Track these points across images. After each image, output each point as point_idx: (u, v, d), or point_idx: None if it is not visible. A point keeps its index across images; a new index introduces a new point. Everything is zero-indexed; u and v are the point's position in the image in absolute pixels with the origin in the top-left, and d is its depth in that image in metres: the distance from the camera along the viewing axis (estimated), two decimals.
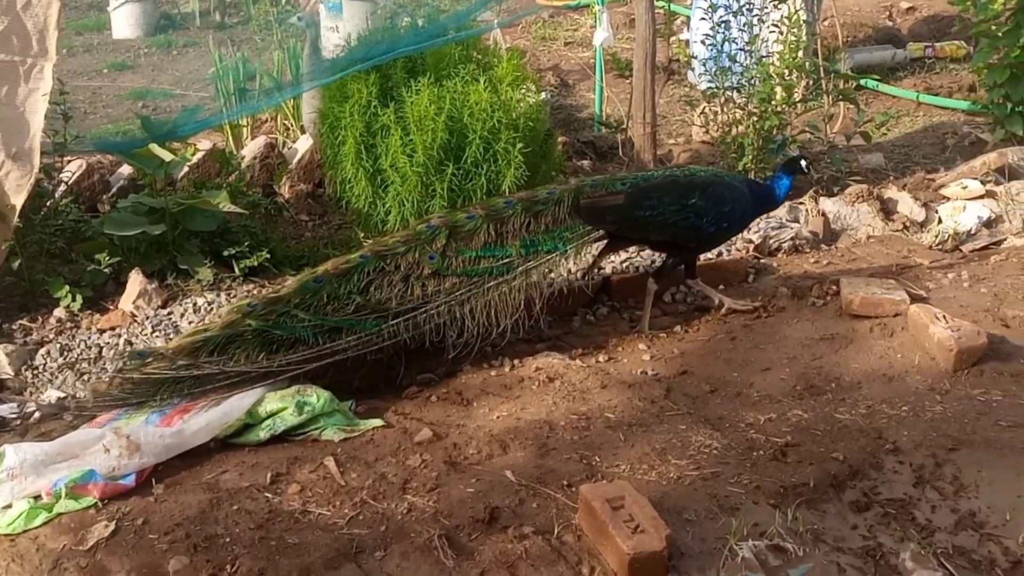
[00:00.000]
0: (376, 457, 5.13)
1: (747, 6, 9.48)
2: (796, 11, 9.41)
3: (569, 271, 6.96)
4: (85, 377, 6.31)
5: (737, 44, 9.52)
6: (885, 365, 5.93)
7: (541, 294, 6.39)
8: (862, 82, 11.23)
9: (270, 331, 5.75)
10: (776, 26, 9.39)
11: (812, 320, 6.54)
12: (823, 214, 8.20)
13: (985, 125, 10.58)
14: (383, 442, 5.27)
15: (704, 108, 10.22)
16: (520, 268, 6.18)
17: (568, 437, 5.27)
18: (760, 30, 9.51)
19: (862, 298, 6.46)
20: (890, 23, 14.34)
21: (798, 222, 8.18)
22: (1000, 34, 9.76)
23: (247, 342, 5.71)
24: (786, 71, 9.32)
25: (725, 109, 9.60)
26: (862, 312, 6.43)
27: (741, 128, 9.34)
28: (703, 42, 9.98)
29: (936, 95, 11.85)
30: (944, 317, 5.99)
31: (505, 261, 6.18)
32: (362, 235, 7.69)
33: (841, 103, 10.20)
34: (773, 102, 9.15)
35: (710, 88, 9.87)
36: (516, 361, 6.21)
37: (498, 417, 5.55)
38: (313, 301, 5.89)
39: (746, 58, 9.47)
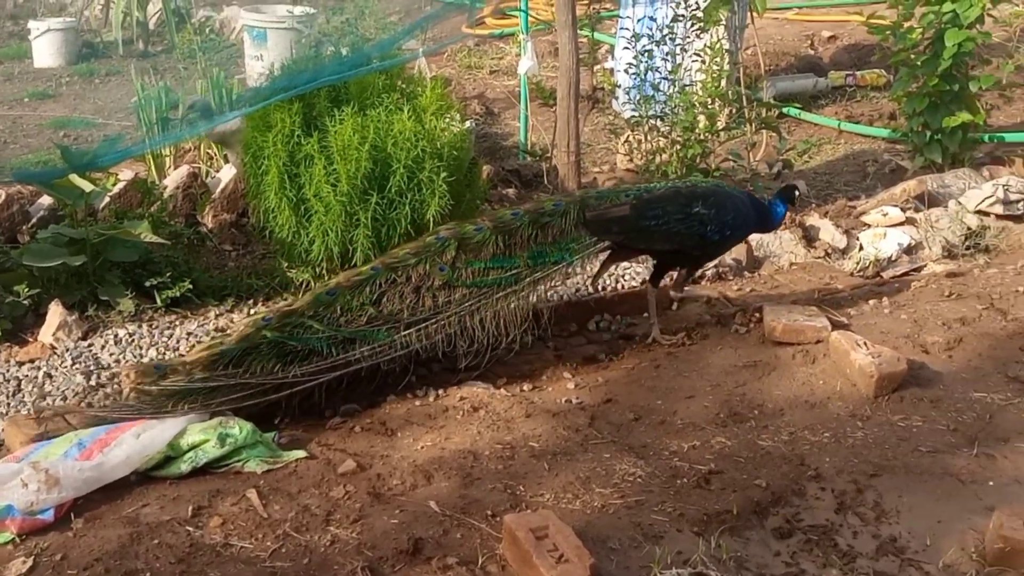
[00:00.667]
0: (299, 489, 5.08)
1: (670, 35, 9.59)
2: (718, 40, 9.53)
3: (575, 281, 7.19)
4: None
5: (660, 73, 9.62)
6: (807, 392, 5.97)
7: (548, 304, 6.60)
8: (784, 110, 11.36)
9: (285, 343, 5.86)
10: (699, 55, 9.50)
11: (735, 347, 6.58)
12: (747, 241, 8.25)
13: (905, 153, 10.72)
14: (306, 473, 5.23)
15: (628, 136, 10.30)
16: (528, 279, 6.33)
17: (492, 467, 5.25)
18: (683, 59, 9.62)
19: (784, 325, 6.51)
20: (812, 52, 14.51)
21: None
22: (919, 63, 9.89)
23: (262, 355, 5.82)
24: (709, 100, 9.43)
25: (649, 137, 9.68)
26: (784, 339, 6.48)
27: (665, 156, 9.44)
28: (627, 71, 10.07)
29: (857, 123, 11.99)
30: (865, 344, 6.05)
31: (513, 272, 6.31)
32: (285, 265, 7.65)
33: (764, 131, 10.28)
34: (696, 130, 9.26)
35: (634, 116, 9.95)
36: (440, 391, 6.20)
37: (422, 447, 5.52)
38: (326, 313, 6.02)
39: (669, 87, 9.57)
